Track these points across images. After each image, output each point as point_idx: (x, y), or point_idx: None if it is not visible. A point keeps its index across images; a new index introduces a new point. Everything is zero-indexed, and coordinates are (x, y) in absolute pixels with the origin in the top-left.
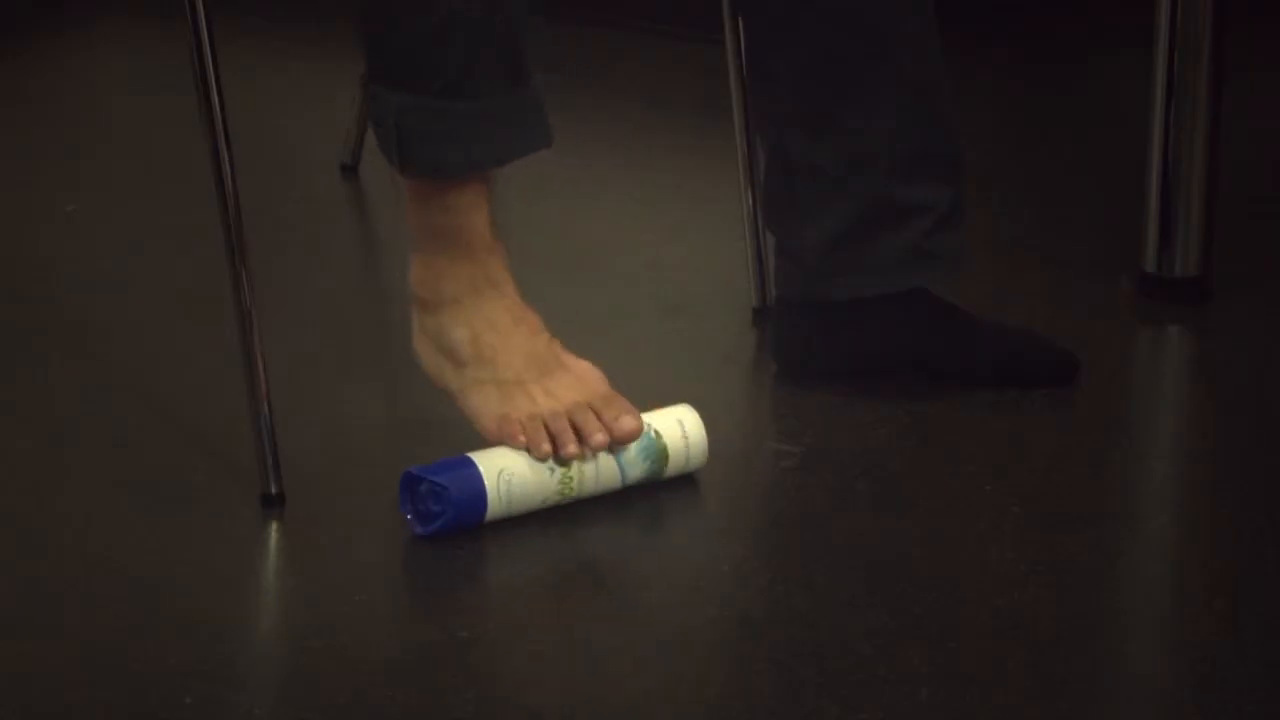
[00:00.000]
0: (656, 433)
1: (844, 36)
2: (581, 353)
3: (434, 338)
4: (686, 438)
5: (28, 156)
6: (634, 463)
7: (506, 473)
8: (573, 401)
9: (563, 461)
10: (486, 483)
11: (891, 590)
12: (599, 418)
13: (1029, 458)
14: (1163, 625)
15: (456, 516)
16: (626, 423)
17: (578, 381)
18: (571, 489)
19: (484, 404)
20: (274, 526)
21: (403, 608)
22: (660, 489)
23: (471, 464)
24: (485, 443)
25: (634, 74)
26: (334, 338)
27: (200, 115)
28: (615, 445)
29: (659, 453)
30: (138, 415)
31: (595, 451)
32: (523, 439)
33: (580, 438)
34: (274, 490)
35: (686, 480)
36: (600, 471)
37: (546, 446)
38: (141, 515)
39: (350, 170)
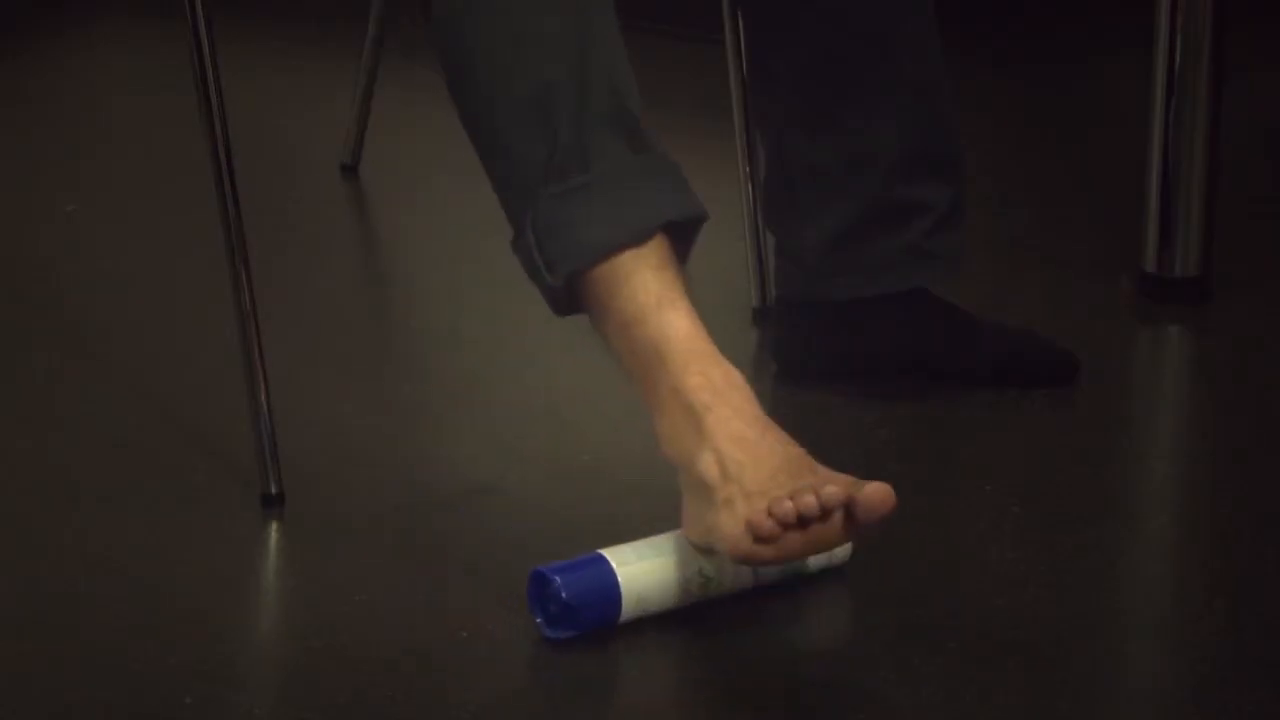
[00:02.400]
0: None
1: (844, 36)
2: (581, 352)
3: (691, 491)
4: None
5: (28, 156)
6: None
7: (645, 601)
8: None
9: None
10: (623, 597)
11: (892, 590)
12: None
13: (1029, 458)
14: (1163, 625)
15: (586, 626)
16: (874, 485)
17: (824, 477)
18: (710, 587)
19: (728, 515)
20: (274, 526)
21: (403, 608)
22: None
23: (612, 579)
24: (482, 441)
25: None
26: (334, 338)
27: (200, 115)
28: (871, 518)
29: (799, 566)
30: (138, 415)
31: (827, 506)
32: (770, 524)
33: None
34: (274, 490)
35: None
36: (739, 577)
37: (788, 504)
38: (141, 515)
39: (350, 170)
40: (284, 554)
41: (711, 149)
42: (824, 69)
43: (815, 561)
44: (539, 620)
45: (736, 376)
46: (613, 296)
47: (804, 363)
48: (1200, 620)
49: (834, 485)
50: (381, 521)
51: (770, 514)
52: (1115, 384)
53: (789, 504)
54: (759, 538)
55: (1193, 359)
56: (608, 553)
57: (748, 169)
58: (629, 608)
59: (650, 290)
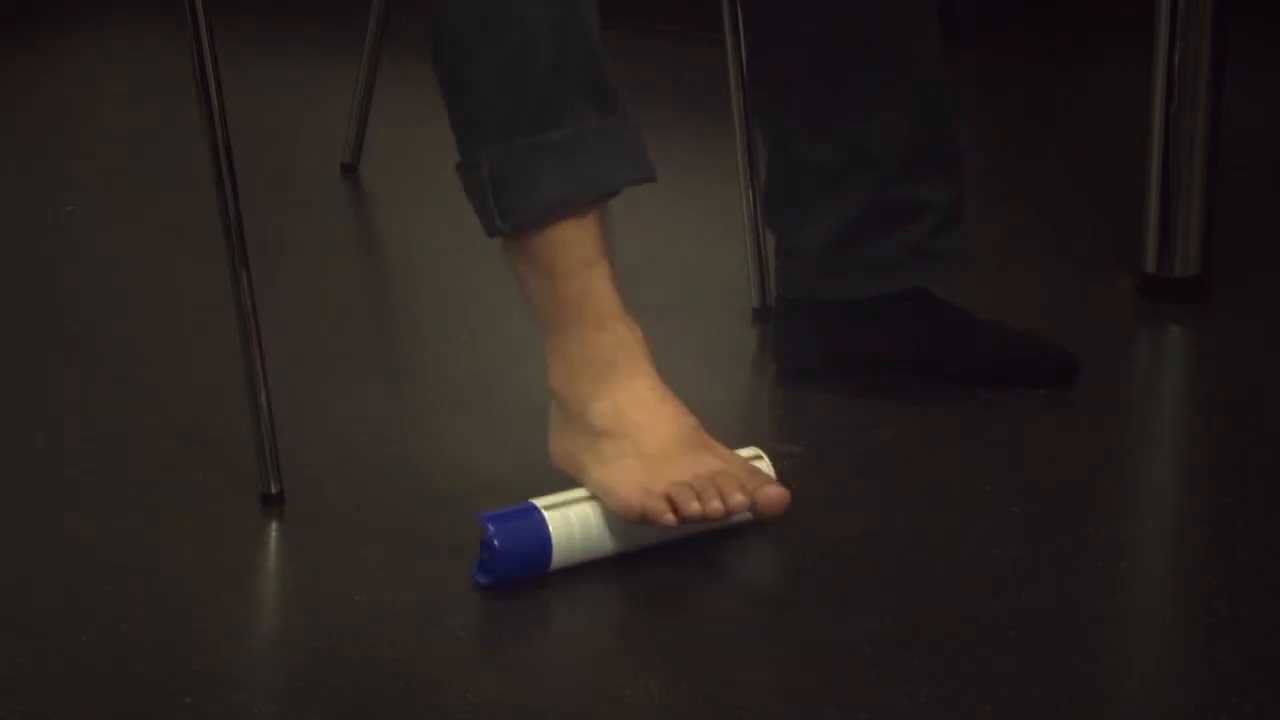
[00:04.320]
0: None
1: (844, 36)
2: None
3: (574, 423)
4: None
5: (28, 156)
6: None
7: (571, 525)
8: (714, 473)
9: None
10: (552, 532)
11: (891, 590)
12: (741, 487)
13: (1029, 458)
14: (1163, 625)
15: (515, 569)
16: (771, 492)
17: (725, 465)
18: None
19: (623, 474)
20: (274, 526)
21: (403, 608)
22: None
23: (539, 518)
24: (481, 440)
25: (634, 74)
26: (334, 338)
27: (200, 115)
28: (766, 518)
29: None
30: (138, 415)
31: (733, 512)
32: (671, 516)
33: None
34: (274, 490)
35: None
36: None
37: (695, 505)
38: (141, 515)
39: (350, 170)
40: (284, 554)
41: (711, 149)
42: (824, 69)
43: (740, 516)
44: (474, 569)
45: (644, 348)
46: (549, 248)
47: (804, 363)
48: (1200, 620)
49: (740, 495)
50: (381, 521)
51: (674, 507)
52: (1115, 384)
53: (695, 507)
54: (652, 523)
55: (1193, 359)
56: (539, 501)
57: (748, 169)
58: (560, 556)
59: (586, 248)
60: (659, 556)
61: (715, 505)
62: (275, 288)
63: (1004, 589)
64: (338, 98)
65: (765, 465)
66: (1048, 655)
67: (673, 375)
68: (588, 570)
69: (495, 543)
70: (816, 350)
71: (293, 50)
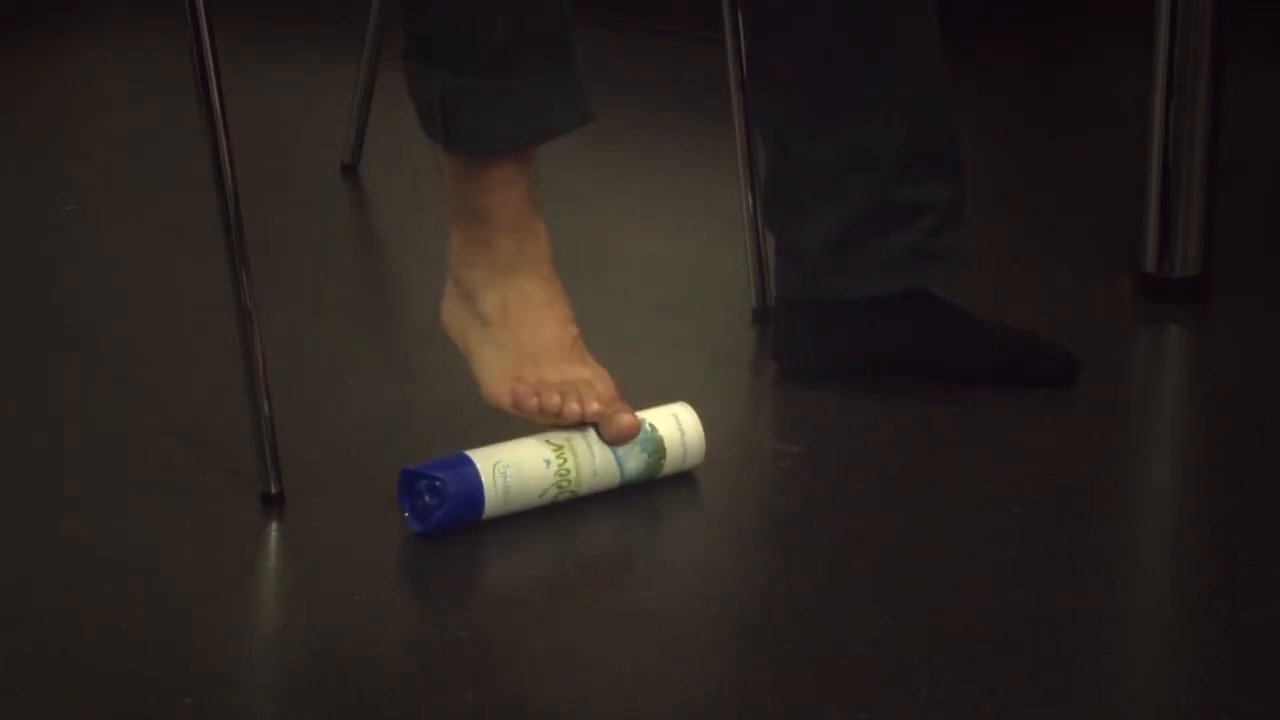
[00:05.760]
0: (652, 426)
1: (844, 36)
2: None
3: (465, 306)
4: (683, 432)
5: (28, 156)
6: (631, 455)
7: (503, 465)
8: (579, 380)
9: (560, 455)
10: (483, 476)
11: (891, 590)
12: (599, 402)
13: (1029, 458)
14: (1163, 625)
15: (454, 512)
16: (625, 419)
17: (591, 377)
18: (570, 482)
19: (498, 364)
20: (274, 526)
21: (403, 608)
22: (660, 489)
23: (468, 460)
24: (483, 440)
25: (634, 74)
26: (334, 338)
27: (200, 115)
28: (612, 443)
29: (656, 445)
30: (138, 415)
31: (587, 419)
32: (535, 401)
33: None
34: (274, 490)
35: (686, 480)
36: (598, 465)
37: (556, 398)
38: (141, 515)
39: (350, 170)
40: (284, 554)
41: (711, 149)
42: (824, 69)
43: (670, 466)
44: (407, 515)
45: (547, 254)
46: (483, 169)
47: (804, 363)
48: (1200, 621)
49: (596, 405)
50: (381, 522)
51: (540, 403)
52: (1115, 384)
53: (556, 400)
54: (517, 407)
55: (1193, 359)
56: (472, 453)
57: (748, 169)
58: (493, 504)
59: (514, 171)
60: (659, 557)
61: (574, 407)
62: (275, 288)
63: (1004, 589)
64: (338, 98)
65: (689, 416)
66: (1048, 655)
67: (673, 375)
68: (587, 570)
69: (449, 488)
70: (816, 350)
71: (293, 50)
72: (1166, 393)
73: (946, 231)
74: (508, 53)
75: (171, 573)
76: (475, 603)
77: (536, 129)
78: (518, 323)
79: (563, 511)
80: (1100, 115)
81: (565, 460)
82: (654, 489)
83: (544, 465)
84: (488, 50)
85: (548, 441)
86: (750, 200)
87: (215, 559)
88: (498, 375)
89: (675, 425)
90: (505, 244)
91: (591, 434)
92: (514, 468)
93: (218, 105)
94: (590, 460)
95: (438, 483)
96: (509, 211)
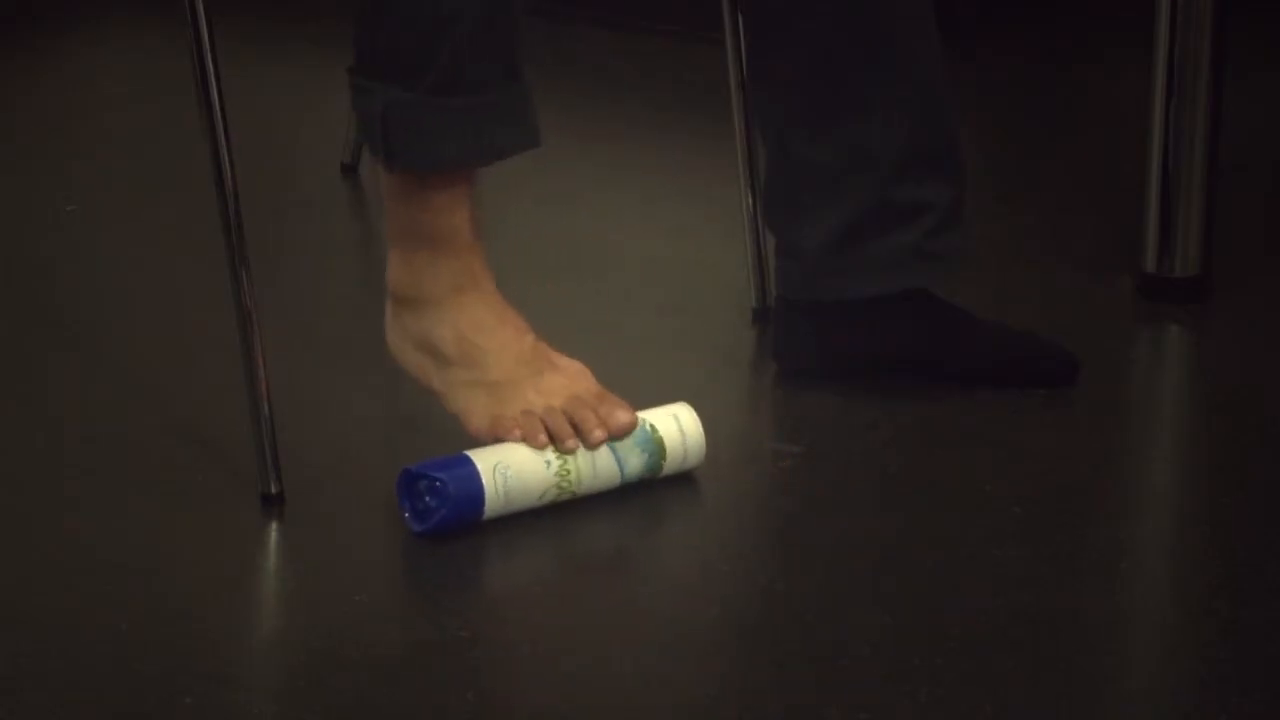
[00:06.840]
0: (652, 426)
1: (844, 36)
2: (581, 352)
3: (414, 336)
4: (683, 433)
5: (28, 156)
6: (631, 456)
7: (503, 466)
8: (566, 398)
9: (560, 455)
10: (484, 477)
11: (891, 590)
12: (594, 413)
13: (1029, 458)
14: (1163, 625)
15: (454, 512)
16: (621, 416)
17: (568, 380)
18: (570, 483)
19: (473, 404)
20: (274, 526)
21: (403, 608)
22: (660, 489)
23: (468, 460)
24: (479, 444)
25: (634, 74)
26: (334, 338)
27: (200, 115)
28: (611, 439)
29: (656, 446)
30: (138, 415)
31: (593, 448)
32: (519, 433)
33: (579, 434)
34: (274, 490)
35: (686, 480)
36: (598, 466)
37: (543, 437)
38: (141, 515)
39: (350, 170)
40: (284, 554)
41: (711, 149)
42: (824, 69)
43: (670, 466)
44: (406, 516)
45: (487, 274)
46: (424, 190)
47: (804, 363)
48: (1200, 621)
49: (599, 431)
50: (381, 522)
51: (523, 437)
52: (1115, 384)
53: (544, 438)
54: (500, 438)
55: (1193, 359)
56: (473, 453)
57: (748, 169)
58: (493, 505)
59: (456, 193)
60: (659, 558)
61: (570, 444)
62: (275, 288)
63: (1004, 589)
64: (338, 98)
65: (689, 416)
66: (1048, 655)
67: (673, 375)
68: (588, 571)
69: (450, 489)
70: (816, 350)
71: (293, 50)
72: (1166, 393)
73: (946, 231)
74: (461, 69)
75: (171, 573)
76: (475, 603)
77: (483, 149)
78: (478, 355)
79: (562, 512)
80: (1100, 115)
81: (565, 461)
82: (654, 489)
83: (544, 466)
84: (440, 66)
85: None
86: (750, 200)
87: (215, 559)
88: (476, 413)
89: (675, 425)
90: (449, 265)
91: None
92: (514, 468)
93: (218, 105)
94: (590, 461)
95: (438, 483)
96: (450, 233)
